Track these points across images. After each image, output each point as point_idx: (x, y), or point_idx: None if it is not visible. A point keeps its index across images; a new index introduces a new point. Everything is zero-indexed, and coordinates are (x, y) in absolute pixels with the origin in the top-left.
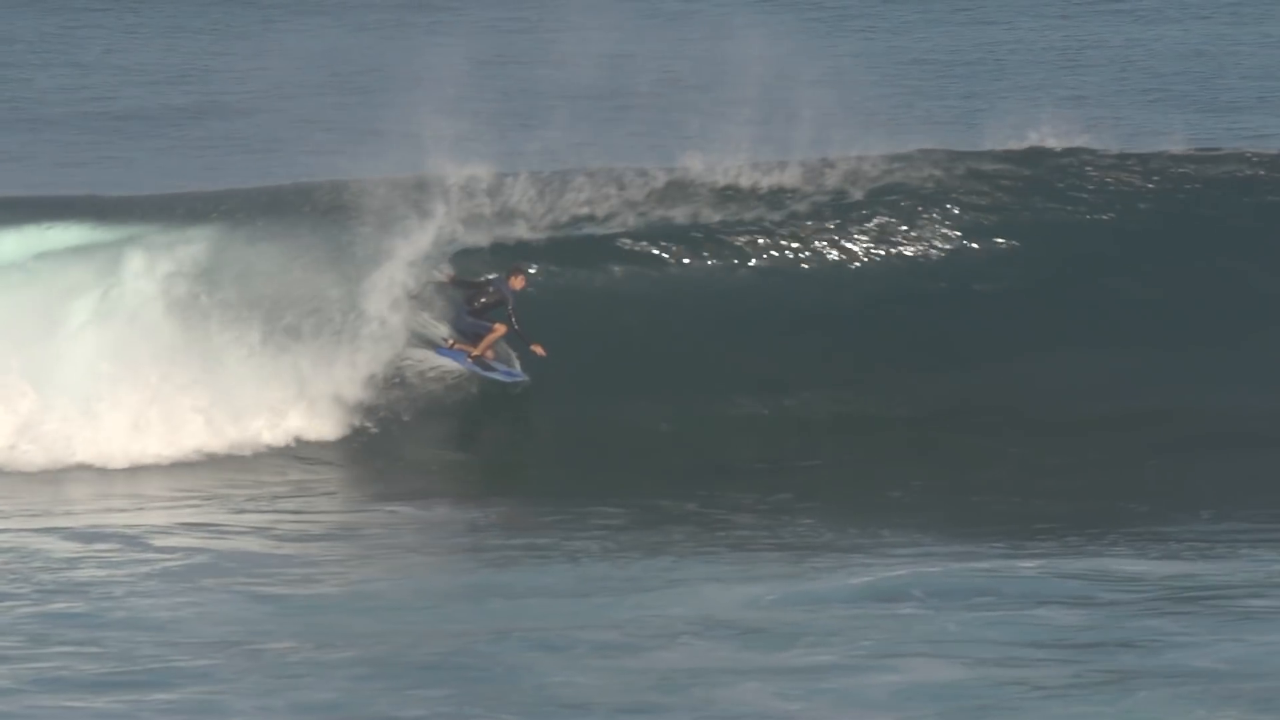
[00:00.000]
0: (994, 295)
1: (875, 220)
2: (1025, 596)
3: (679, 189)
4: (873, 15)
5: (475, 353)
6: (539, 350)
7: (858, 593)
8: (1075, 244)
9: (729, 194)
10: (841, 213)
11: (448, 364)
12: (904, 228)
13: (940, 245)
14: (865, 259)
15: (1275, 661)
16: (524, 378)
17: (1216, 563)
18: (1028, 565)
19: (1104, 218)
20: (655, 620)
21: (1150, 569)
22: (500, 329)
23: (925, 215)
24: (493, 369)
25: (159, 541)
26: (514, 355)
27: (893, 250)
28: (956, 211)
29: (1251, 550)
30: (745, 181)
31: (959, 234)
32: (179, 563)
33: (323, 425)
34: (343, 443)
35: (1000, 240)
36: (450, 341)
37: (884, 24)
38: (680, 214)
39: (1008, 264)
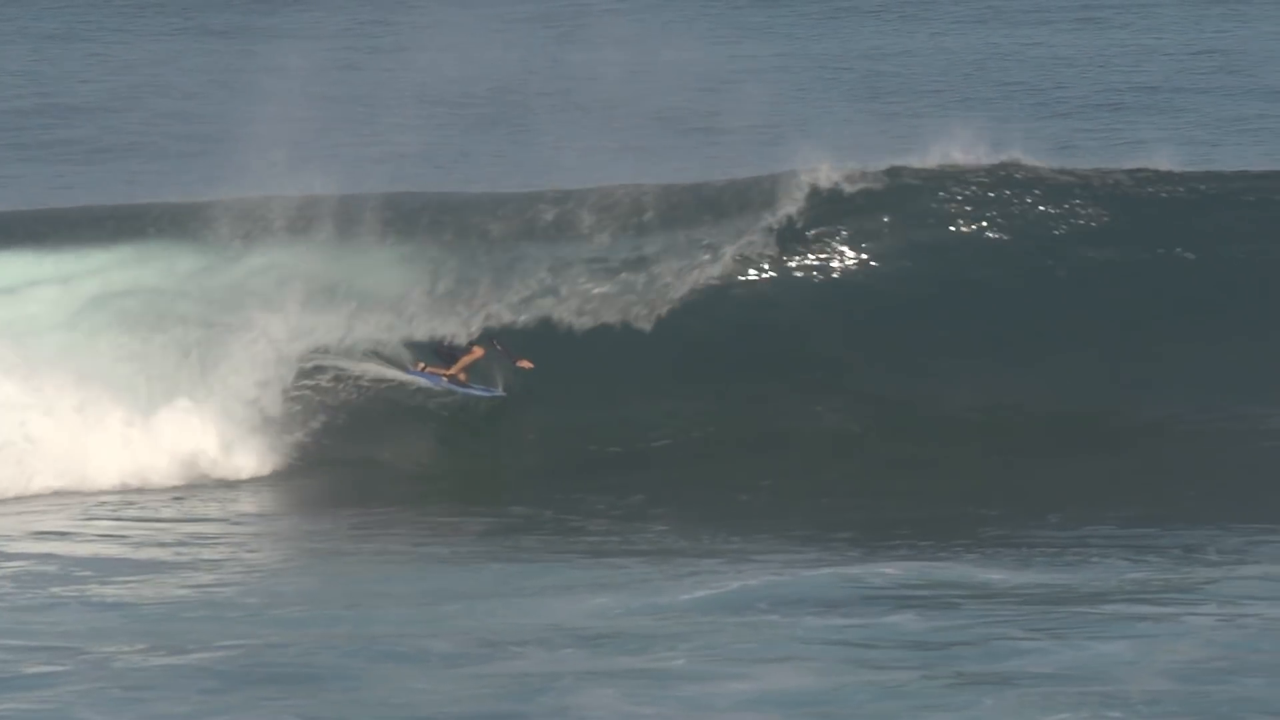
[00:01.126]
0: (860, 302)
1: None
2: (877, 602)
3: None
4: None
5: (449, 374)
6: (526, 364)
7: (711, 599)
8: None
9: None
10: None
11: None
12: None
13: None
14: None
15: (1121, 666)
16: (501, 394)
17: (1068, 569)
18: (881, 571)
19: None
20: (506, 627)
21: (1003, 576)
22: (478, 351)
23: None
24: (469, 387)
25: (7, 548)
26: (497, 376)
27: (762, 262)
28: (838, 225)
29: (1102, 557)
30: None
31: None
32: (28, 569)
33: (187, 434)
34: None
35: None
36: (421, 365)
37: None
38: None
39: (880, 275)
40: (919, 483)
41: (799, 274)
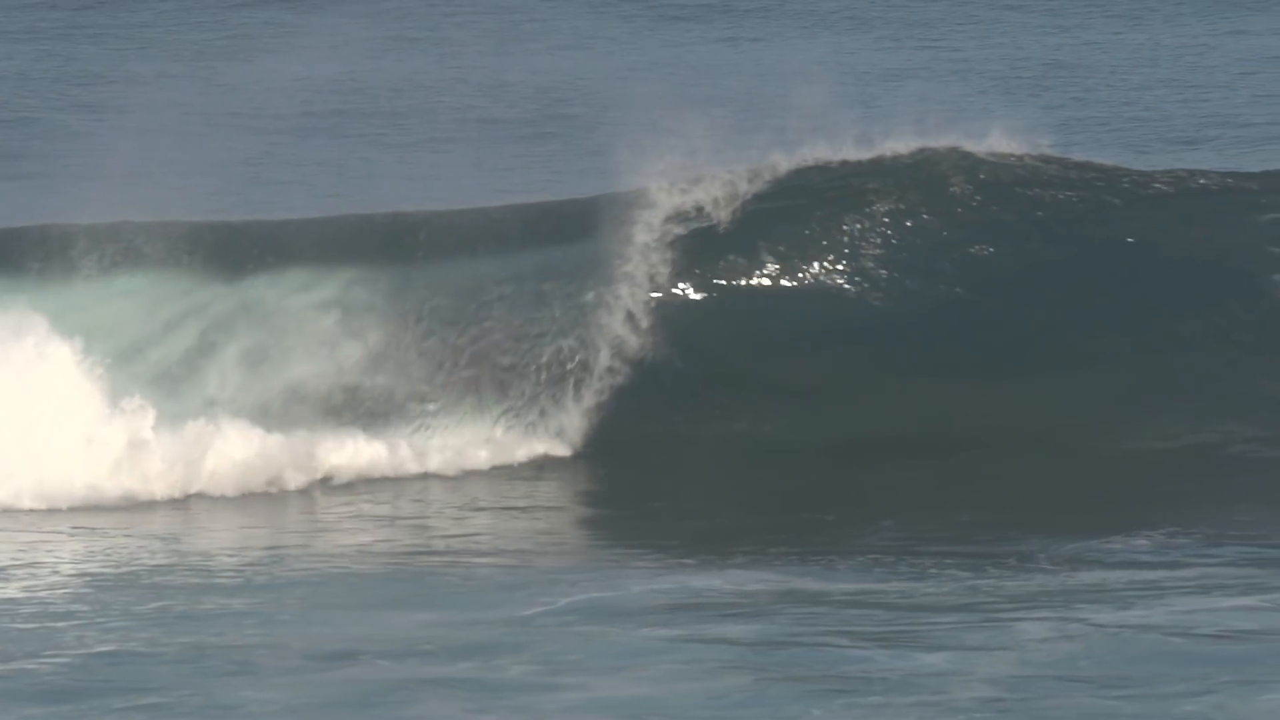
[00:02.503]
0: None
1: None
2: (709, 611)
3: None
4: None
5: None
6: None
7: (549, 611)
8: None
9: None
10: None
11: None
12: None
13: None
14: None
15: (950, 675)
16: None
17: (900, 577)
18: (714, 580)
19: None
20: (339, 637)
21: (836, 584)
22: None
23: None
24: None
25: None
26: None
27: None
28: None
29: (936, 564)
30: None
31: None
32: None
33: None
34: None
35: None
36: None
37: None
38: None
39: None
40: (753, 490)
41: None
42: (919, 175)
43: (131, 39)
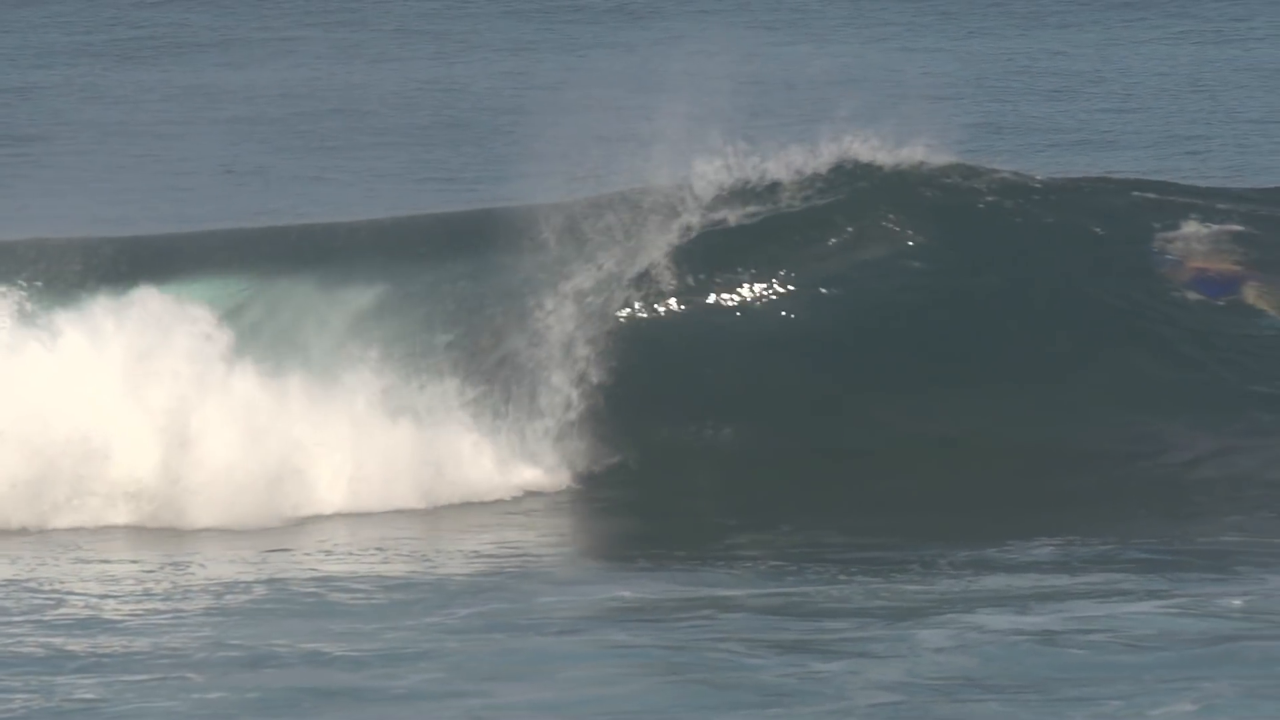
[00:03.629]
0: None
1: None
2: (608, 619)
3: None
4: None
5: None
6: None
7: (453, 622)
8: None
9: None
10: None
11: None
12: None
13: None
14: None
15: (849, 681)
16: None
17: (800, 583)
18: (615, 589)
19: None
20: (242, 646)
21: (736, 590)
22: None
23: None
24: None
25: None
26: None
27: None
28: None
29: (837, 570)
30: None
31: None
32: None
33: None
34: None
35: None
36: None
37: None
38: None
39: None
40: (656, 497)
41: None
42: (842, 192)
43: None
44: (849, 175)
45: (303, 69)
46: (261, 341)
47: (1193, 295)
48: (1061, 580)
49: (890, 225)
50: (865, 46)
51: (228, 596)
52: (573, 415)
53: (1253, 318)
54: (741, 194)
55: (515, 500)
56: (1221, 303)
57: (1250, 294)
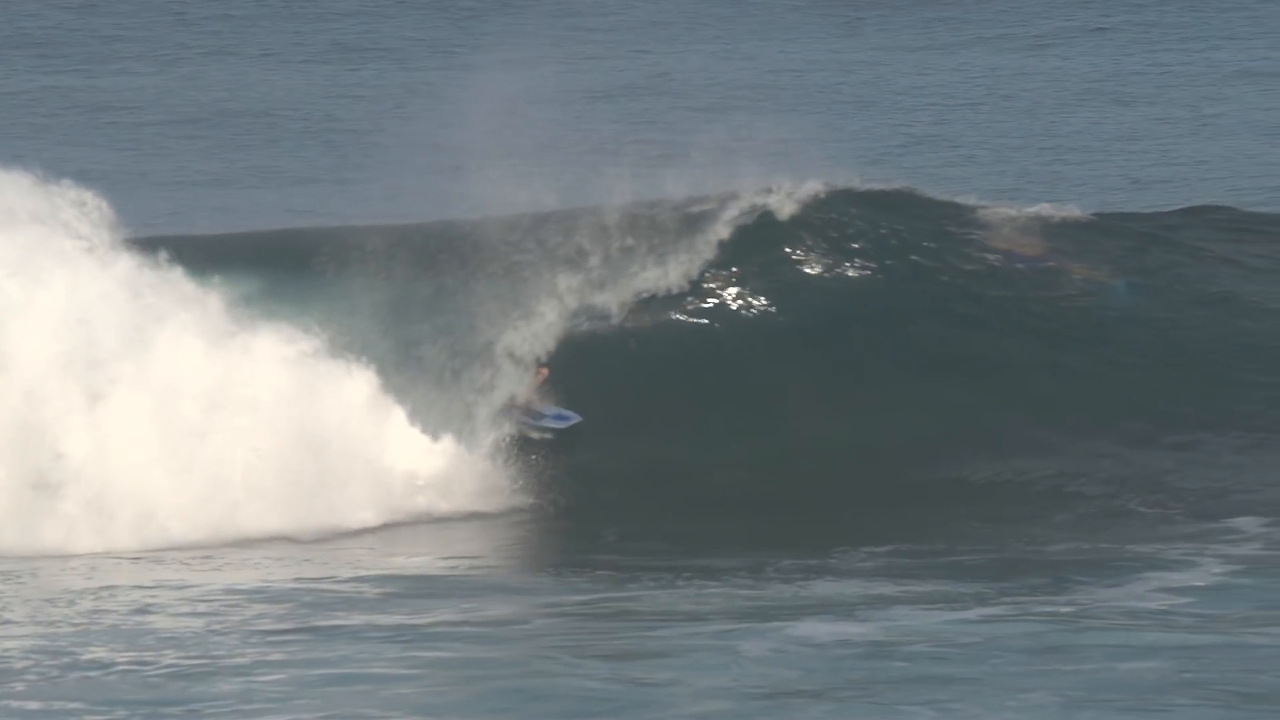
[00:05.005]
0: None
1: None
2: (432, 631)
3: None
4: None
5: (520, 402)
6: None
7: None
8: None
9: None
10: None
11: None
12: None
13: None
14: None
15: (674, 689)
16: (577, 418)
17: (626, 591)
18: (440, 602)
19: None
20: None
21: (561, 598)
22: (544, 370)
23: None
24: (542, 415)
25: None
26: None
27: None
28: None
29: (663, 578)
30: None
31: None
32: None
33: None
34: None
35: None
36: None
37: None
38: None
39: None
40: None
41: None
42: (746, 218)
43: None
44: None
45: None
46: None
47: (1036, 310)
48: (888, 588)
49: (717, 249)
50: (688, 49)
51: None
52: None
53: (1084, 313)
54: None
55: None
56: (1065, 308)
57: (1074, 269)
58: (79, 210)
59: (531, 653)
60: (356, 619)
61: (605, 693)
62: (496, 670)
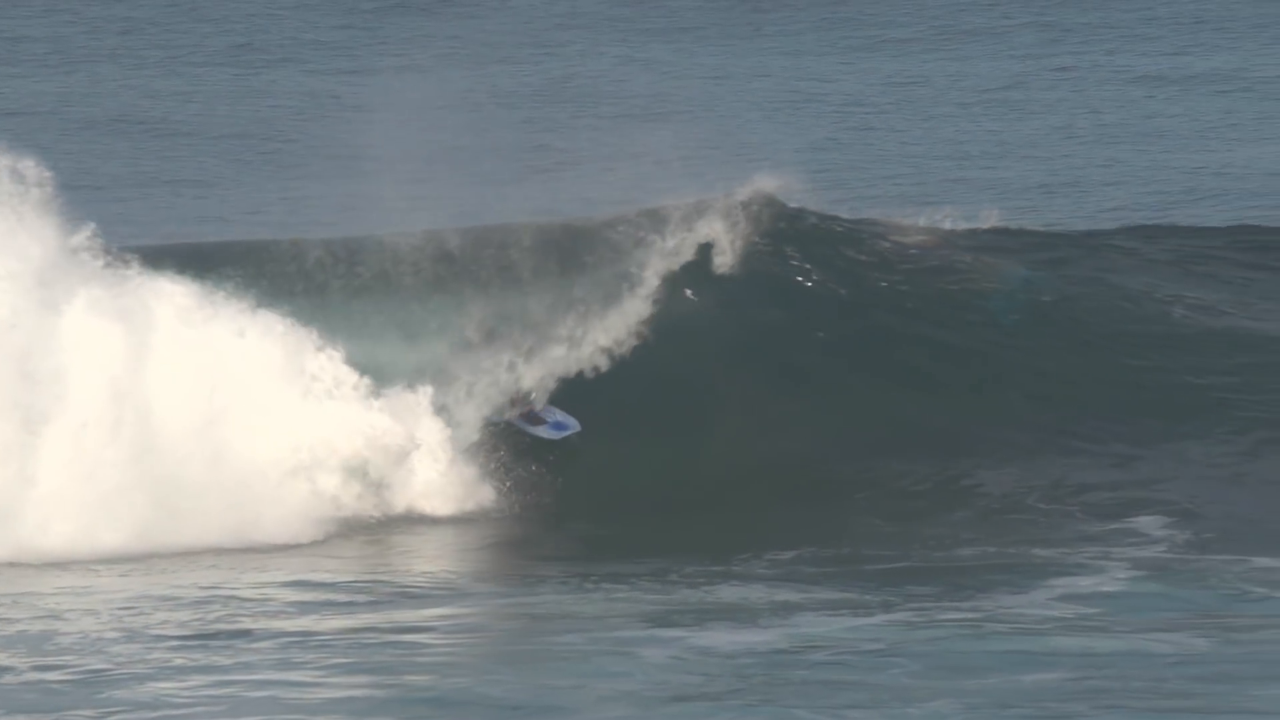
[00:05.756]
0: None
1: None
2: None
3: None
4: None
5: (520, 407)
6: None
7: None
8: None
9: None
10: None
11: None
12: None
13: None
14: None
15: (573, 695)
16: (577, 426)
17: (522, 598)
18: (314, 616)
19: None
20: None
21: (456, 609)
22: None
23: None
24: (541, 421)
25: None
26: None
27: None
28: None
29: (573, 586)
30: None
31: None
32: None
33: None
34: None
35: None
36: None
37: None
38: None
39: None
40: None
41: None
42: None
43: None
44: None
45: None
46: None
47: (938, 311)
48: (792, 595)
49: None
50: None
51: None
52: None
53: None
54: None
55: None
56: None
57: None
58: None
59: (437, 659)
60: (264, 625)
61: (509, 700)
62: (401, 677)
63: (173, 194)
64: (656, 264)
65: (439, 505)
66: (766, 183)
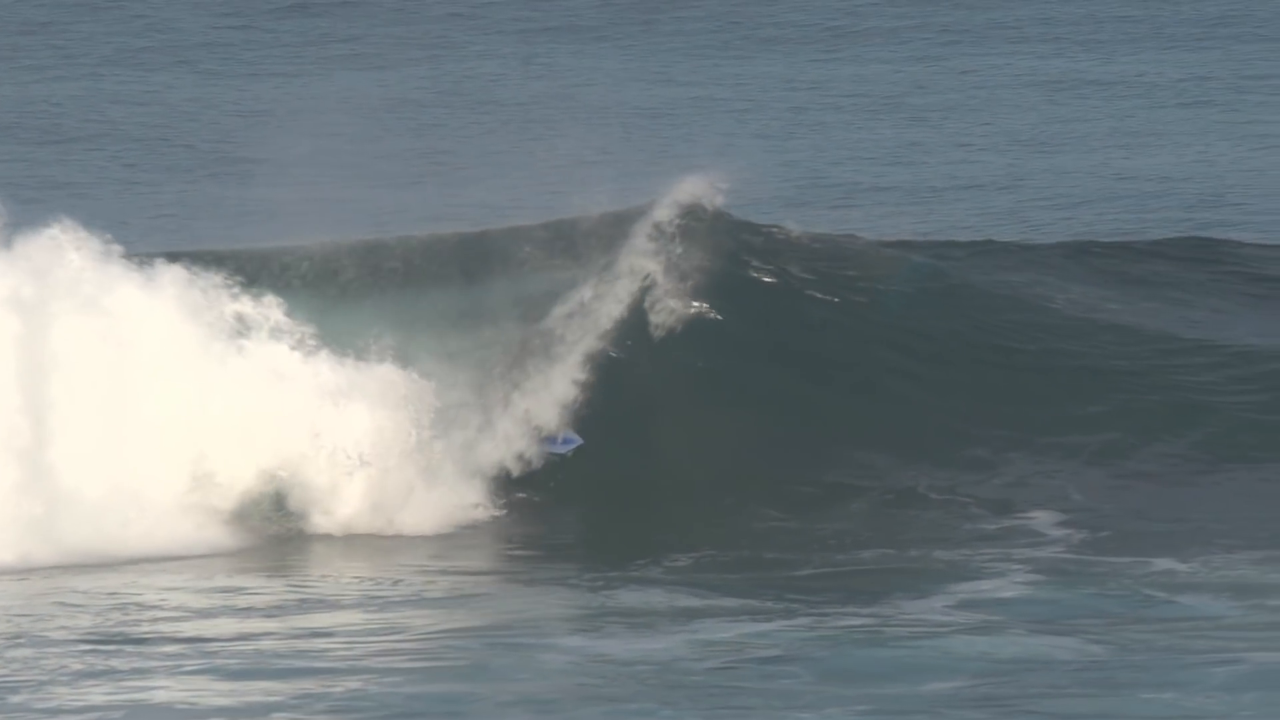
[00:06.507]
0: None
1: None
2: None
3: None
4: None
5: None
6: None
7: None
8: None
9: None
10: None
11: None
12: None
13: None
14: None
15: (471, 699)
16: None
17: (438, 602)
18: (218, 620)
19: None
20: None
21: (375, 615)
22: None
23: None
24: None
25: None
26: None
27: None
28: None
29: (471, 591)
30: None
31: None
32: None
33: None
34: None
35: None
36: None
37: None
38: None
39: None
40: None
41: None
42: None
43: None
44: None
45: None
46: None
47: (840, 314)
48: (691, 601)
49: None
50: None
51: None
52: None
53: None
54: None
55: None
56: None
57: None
58: None
59: (337, 664)
60: (167, 630)
61: (408, 706)
62: (297, 683)
63: (73, 197)
64: (578, 268)
65: (357, 517)
66: (687, 188)
